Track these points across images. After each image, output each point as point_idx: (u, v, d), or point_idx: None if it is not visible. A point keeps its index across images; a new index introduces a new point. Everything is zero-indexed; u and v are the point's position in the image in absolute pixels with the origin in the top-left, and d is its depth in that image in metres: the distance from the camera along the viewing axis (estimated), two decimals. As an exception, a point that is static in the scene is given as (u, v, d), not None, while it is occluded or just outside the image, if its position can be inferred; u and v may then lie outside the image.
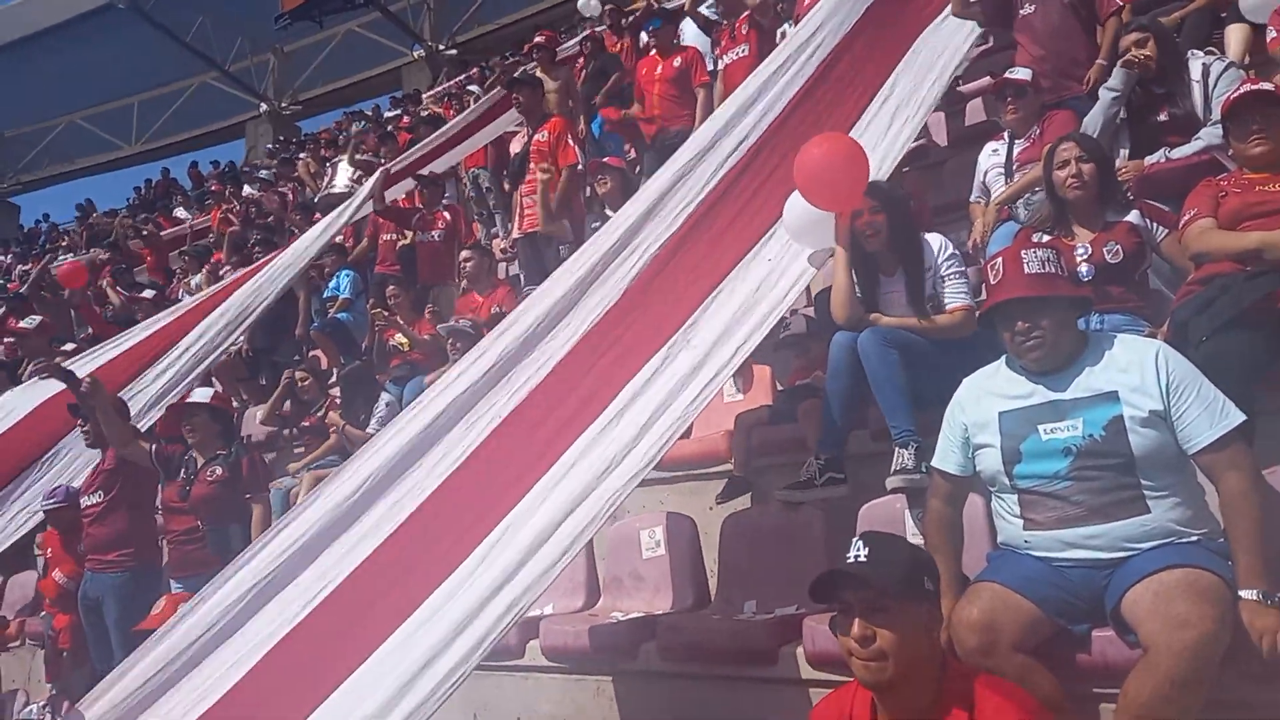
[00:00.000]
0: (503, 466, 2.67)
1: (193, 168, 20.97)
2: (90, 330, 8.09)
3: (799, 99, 3.30)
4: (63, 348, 7.23)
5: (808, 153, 3.03)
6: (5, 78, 24.38)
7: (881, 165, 3.27)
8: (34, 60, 23.96)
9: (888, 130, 3.31)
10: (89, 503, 4.68)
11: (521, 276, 6.59)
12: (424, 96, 15.93)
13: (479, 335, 5.55)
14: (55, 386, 5.19)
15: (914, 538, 2.78)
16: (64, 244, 18.72)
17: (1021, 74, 4.11)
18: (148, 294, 8.54)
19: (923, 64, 3.45)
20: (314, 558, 2.61)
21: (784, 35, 6.29)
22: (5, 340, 9.65)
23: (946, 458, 2.49)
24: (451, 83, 15.48)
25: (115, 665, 4.34)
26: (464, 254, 6.39)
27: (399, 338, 6.45)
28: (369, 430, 5.72)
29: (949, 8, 3.73)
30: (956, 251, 3.25)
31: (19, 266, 18.39)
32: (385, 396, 5.92)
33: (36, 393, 5.42)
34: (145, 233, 12.30)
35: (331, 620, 2.45)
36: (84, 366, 5.58)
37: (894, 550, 1.96)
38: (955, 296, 3.14)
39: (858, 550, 1.92)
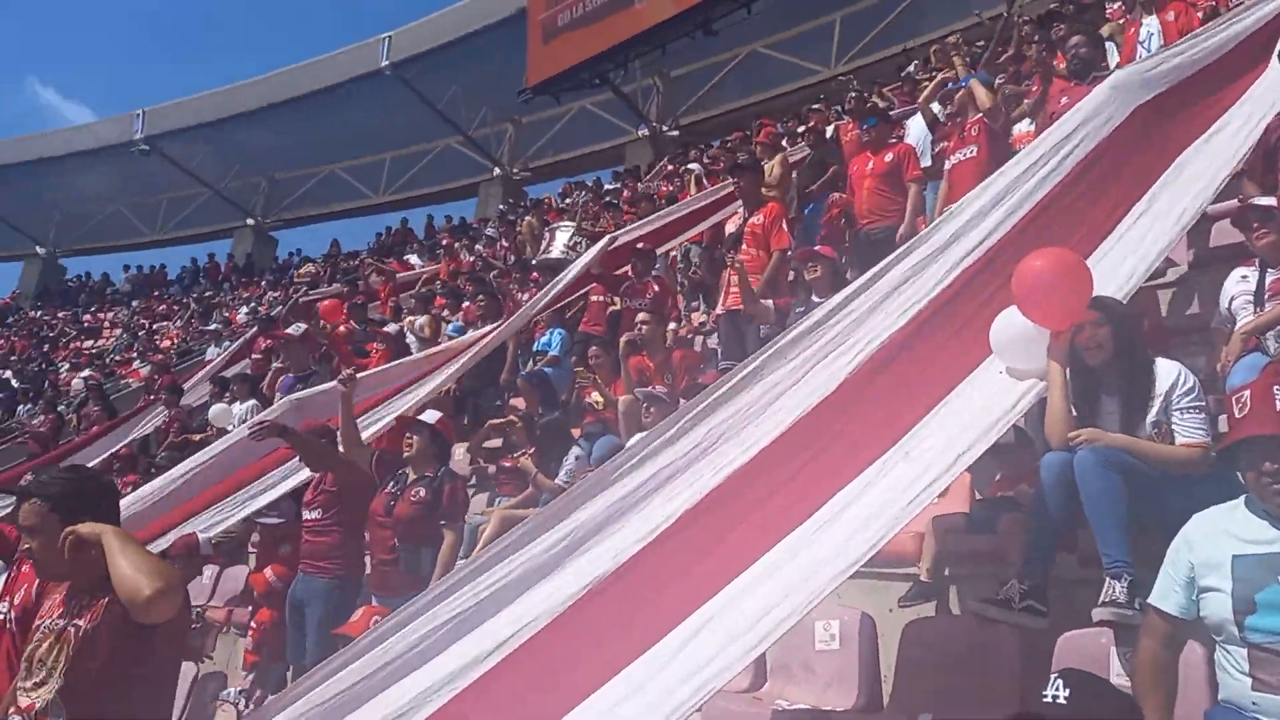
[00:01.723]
0: (706, 548, 2.65)
1: (429, 220, 22.91)
2: (333, 357, 8.91)
3: (1047, 202, 3.18)
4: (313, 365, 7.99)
5: (1028, 265, 2.94)
6: (283, 128, 27.65)
7: (1131, 279, 3.12)
8: (309, 115, 26.99)
9: (1141, 243, 3.14)
10: (308, 516, 5.10)
11: (719, 351, 6.71)
12: (645, 176, 16.80)
13: (674, 403, 5.71)
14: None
15: (1118, 678, 2.58)
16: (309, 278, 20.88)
17: (1267, 200, 3.86)
18: (391, 329, 9.33)
19: (1188, 178, 3.26)
20: (510, 601, 2.65)
21: (1018, 136, 6.21)
22: (253, 356, 10.87)
23: (1167, 596, 2.33)
24: (670, 163, 16.14)
25: (309, 662, 4.73)
26: (640, 316, 6.58)
27: (595, 396, 6.72)
28: (558, 481, 5.96)
29: (1221, 120, 3.56)
30: (1198, 385, 3.05)
31: (270, 294, 20.66)
32: (575, 450, 6.14)
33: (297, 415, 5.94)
34: (384, 272, 13.50)
35: (527, 669, 2.49)
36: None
37: (1097, 695, 1.82)
38: (1191, 432, 2.95)
39: (1056, 690, 1.79)
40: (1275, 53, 4.23)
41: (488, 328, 7.18)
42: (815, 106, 11.35)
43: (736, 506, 2.73)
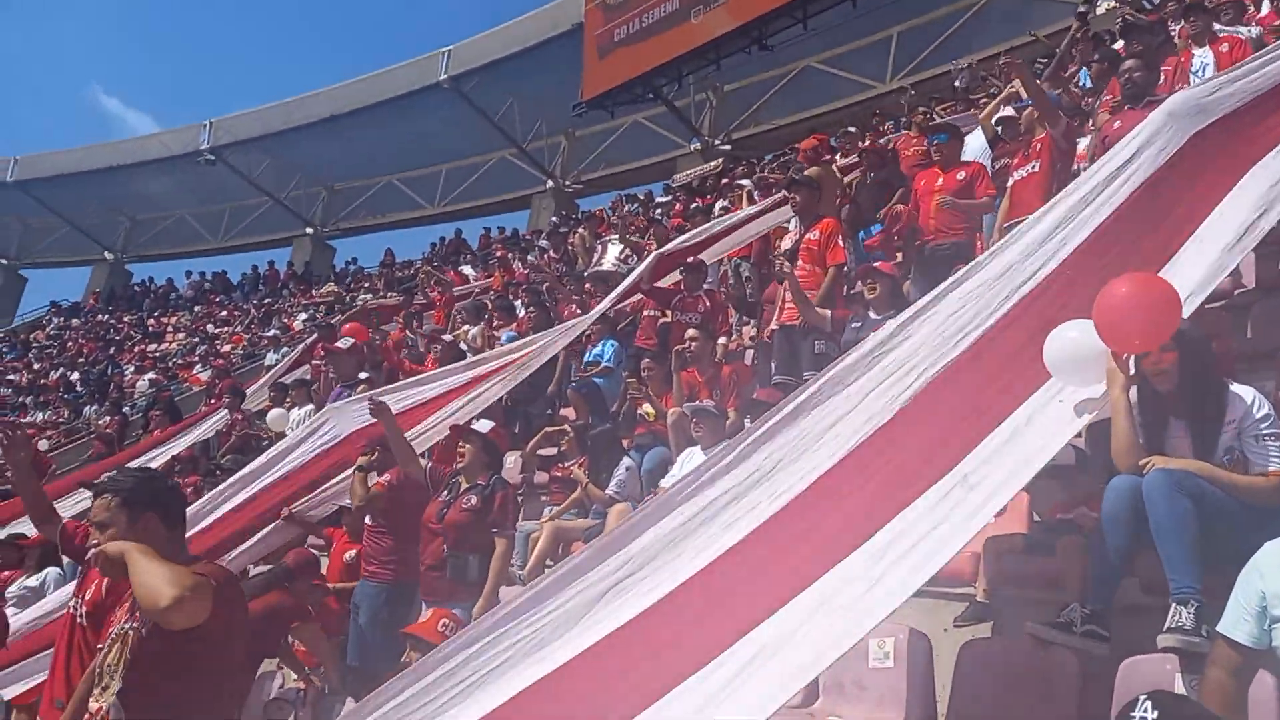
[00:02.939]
0: (761, 573, 2.65)
1: (484, 232, 23.22)
2: (385, 364, 9.08)
3: (1105, 229, 3.12)
4: (360, 374, 8.16)
5: (1116, 289, 2.84)
6: (343, 140, 28.17)
7: (1192, 302, 3.06)
8: (368, 126, 27.49)
9: (1201, 265, 3.07)
10: (368, 522, 5.27)
11: (773, 366, 6.71)
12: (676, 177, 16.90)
13: (723, 416, 5.71)
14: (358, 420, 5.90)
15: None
16: (366, 285, 21.30)
17: None
18: (447, 338, 9.47)
19: (1253, 196, 3.19)
20: (570, 626, 2.68)
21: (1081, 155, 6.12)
22: (313, 362, 11.11)
23: (1237, 625, 2.28)
24: (721, 178, 16.16)
25: (359, 664, 4.82)
26: (689, 332, 6.59)
27: (646, 408, 6.75)
28: (608, 492, 6.01)
29: None
30: (1273, 411, 2.95)
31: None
32: (626, 462, 6.19)
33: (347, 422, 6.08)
34: (441, 282, 13.71)
35: (582, 691, 2.53)
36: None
37: (1189, 717, 1.77)
38: (1269, 460, 2.86)
39: (1144, 711, 1.73)
40: None
41: (532, 338, 7.24)
42: (850, 129, 11.29)
43: (792, 533, 2.72)
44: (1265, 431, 2.89)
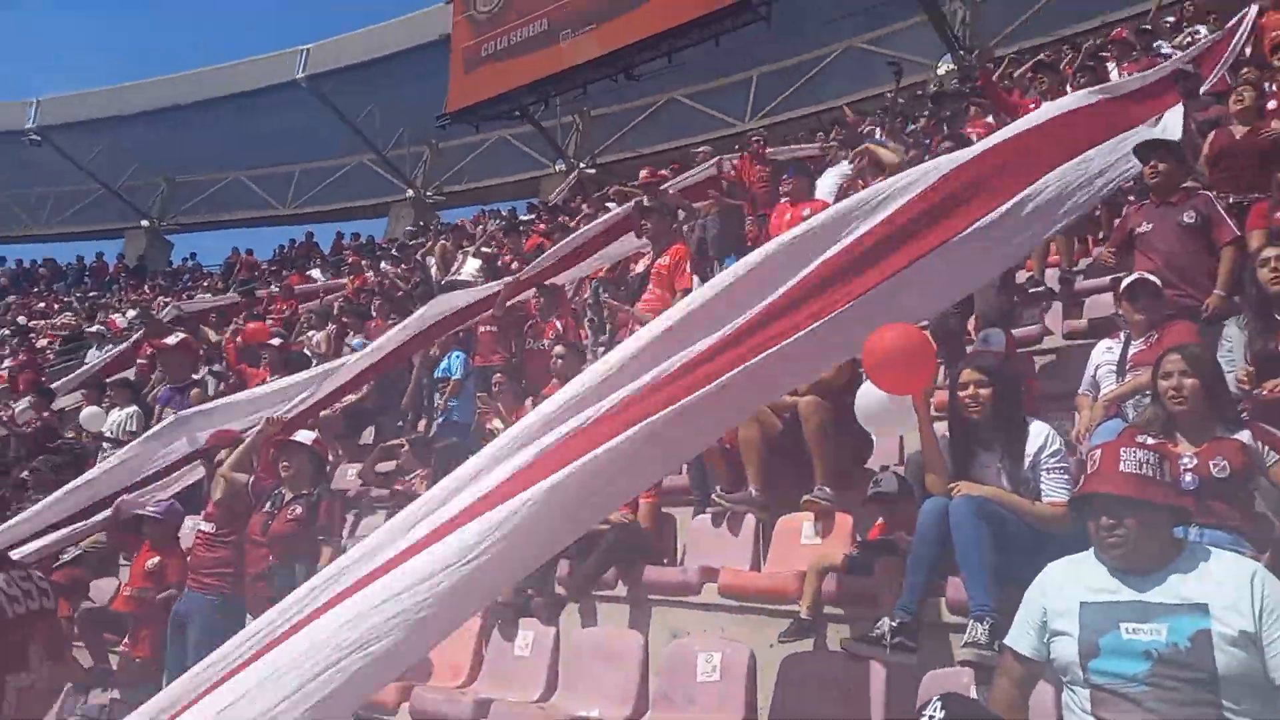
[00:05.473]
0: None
1: (338, 237, 22.41)
2: (224, 364, 8.65)
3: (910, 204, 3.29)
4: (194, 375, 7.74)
5: (876, 343, 3.03)
6: (188, 131, 26.61)
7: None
8: (216, 120, 26.10)
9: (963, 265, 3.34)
10: (203, 529, 5.02)
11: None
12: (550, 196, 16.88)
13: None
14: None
15: (976, 715, 2.72)
16: (204, 284, 20.13)
17: (1143, 277, 4.21)
18: (274, 341, 9.07)
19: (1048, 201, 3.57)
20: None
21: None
22: (139, 361, 10.40)
23: (1021, 638, 2.48)
24: (586, 204, 16.27)
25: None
26: (556, 350, 6.63)
27: (496, 422, 6.68)
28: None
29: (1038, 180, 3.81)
30: (1063, 447, 3.29)
31: (161, 298, 19.77)
32: (472, 477, 6.10)
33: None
34: (282, 286, 13.13)
35: None
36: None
37: (973, 716, 1.93)
38: (1055, 491, 3.17)
39: (934, 711, 1.88)
40: (1149, 121, 4.62)
41: (381, 340, 7.08)
42: (701, 149, 11.75)
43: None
44: (1054, 465, 3.20)
